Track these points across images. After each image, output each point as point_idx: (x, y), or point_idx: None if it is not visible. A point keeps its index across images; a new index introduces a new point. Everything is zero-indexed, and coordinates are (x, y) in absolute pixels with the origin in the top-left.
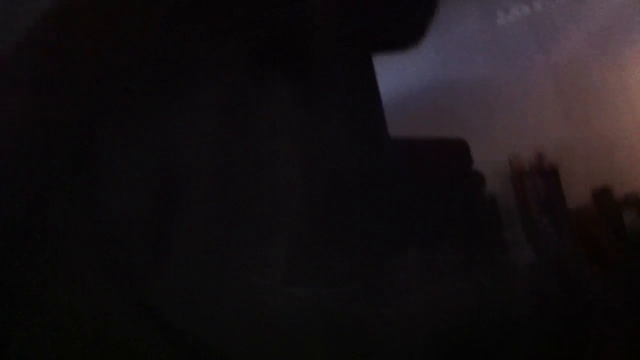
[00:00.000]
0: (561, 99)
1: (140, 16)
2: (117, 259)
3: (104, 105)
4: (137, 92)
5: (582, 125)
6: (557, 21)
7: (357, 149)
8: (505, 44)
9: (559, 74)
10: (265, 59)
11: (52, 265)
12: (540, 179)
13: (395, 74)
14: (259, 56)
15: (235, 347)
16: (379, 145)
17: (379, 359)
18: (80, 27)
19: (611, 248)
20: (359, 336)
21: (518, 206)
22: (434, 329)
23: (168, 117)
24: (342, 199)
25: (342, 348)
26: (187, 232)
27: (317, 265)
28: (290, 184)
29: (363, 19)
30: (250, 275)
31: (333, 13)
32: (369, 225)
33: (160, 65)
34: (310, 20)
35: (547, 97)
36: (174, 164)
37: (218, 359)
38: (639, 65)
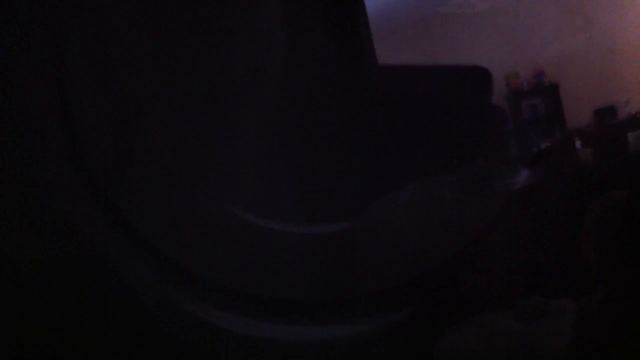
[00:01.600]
0: (561, 9)
1: None
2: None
3: None
4: None
5: (584, 38)
6: None
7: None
8: None
9: None
10: None
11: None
12: (539, 97)
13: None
14: None
15: (214, 270)
16: (367, 68)
17: (369, 298)
18: None
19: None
20: (348, 275)
21: (516, 128)
22: (427, 265)
23: None
24: (337, 131)
25: (327, 285)
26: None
27: (304, 197)
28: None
29: None
30: (225, 202)
31: None
32: (364, 157)
33: None
34: None
35: (546, 8)
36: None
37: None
38: None
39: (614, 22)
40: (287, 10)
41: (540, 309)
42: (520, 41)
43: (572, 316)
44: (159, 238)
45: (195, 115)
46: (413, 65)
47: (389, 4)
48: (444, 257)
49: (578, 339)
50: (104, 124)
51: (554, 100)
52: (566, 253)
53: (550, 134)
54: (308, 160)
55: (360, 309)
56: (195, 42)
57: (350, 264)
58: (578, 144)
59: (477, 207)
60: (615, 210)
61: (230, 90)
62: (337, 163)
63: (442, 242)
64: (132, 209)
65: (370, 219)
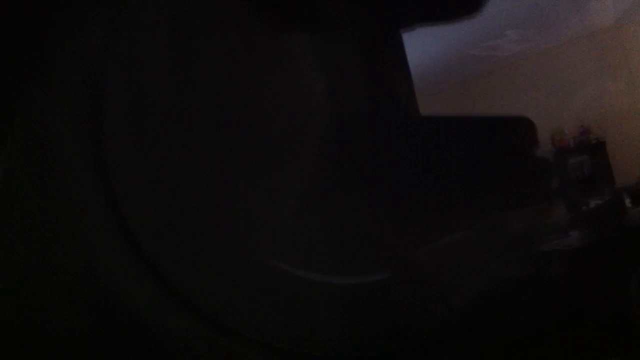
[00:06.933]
0: (605, 67)
1: None
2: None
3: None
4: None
5: (629, 93)
6: None
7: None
8: (541, 15)
9: (601, 41)
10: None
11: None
12: (586, 155)
13: (426, 51)
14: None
15: (247, 322)
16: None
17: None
18: None
19: None
20: (383, 326)
21: (562, 186)
22: (466, 319)
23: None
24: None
25: (369, 338)
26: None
27: (342, 250)
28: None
29: None
30: (264, 254)
31: None
32: (402, 207)
33: None
34: None
35: (590, 67)
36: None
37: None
38: None
39: None
40: (328, 65)
41: None
42: (565, 100)
43: None
44: (201, 298)
45: (233, 170)
46: (454, 115)
47: (430, 67)
48: (486, 312)
49: None
50: (144, 183)
51: (602, 157)
52: (615, 315)
53: (598, 192)
54: (348, 210)
55: None
56: (234, 96)
57: (390, 315)
58: (628, 202)
59: (522, 263)
60: None
61: (269, 143)
62: (376, 213)
63: (483, 296)
64: (172, 267)
65: (409, 270)
